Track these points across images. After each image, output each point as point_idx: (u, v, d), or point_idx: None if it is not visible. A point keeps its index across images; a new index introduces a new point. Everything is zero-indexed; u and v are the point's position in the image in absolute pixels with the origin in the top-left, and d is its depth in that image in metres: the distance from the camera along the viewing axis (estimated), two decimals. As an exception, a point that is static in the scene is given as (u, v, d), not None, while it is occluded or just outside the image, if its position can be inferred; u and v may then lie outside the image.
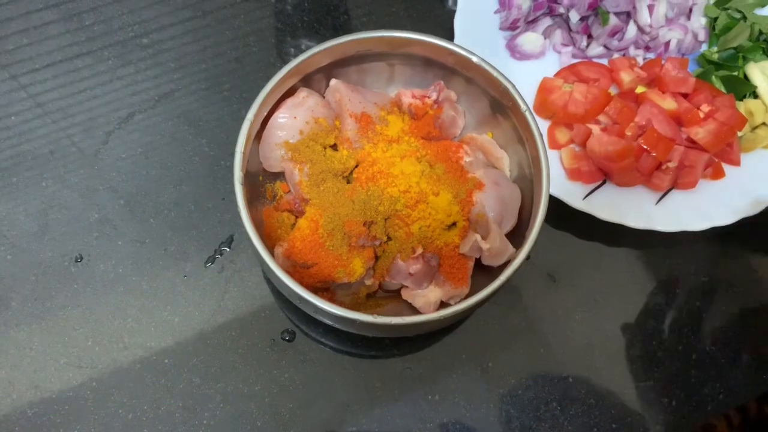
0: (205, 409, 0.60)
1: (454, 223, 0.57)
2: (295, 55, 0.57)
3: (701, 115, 0.68)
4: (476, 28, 0.72)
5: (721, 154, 0.69)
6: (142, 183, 0.67)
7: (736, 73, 0.73)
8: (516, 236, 0.58)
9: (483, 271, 0.58)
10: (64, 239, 0.64)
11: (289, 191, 0.60)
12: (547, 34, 0.74)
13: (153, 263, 0.64)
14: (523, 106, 0.57)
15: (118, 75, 0.71)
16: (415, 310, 0.58)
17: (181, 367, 0.61)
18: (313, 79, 0.61)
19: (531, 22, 0.74)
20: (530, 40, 0.73)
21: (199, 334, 0.62)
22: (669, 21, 0.74)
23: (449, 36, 0.71)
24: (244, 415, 0.60)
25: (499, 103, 0.60)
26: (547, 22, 0.74)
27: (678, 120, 0.68)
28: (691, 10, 0.75)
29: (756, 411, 0.64)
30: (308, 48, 0.57)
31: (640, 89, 0.70)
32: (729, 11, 0.75)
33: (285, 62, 0.57)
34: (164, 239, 0.65)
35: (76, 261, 0.64)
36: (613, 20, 0.72)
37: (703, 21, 0.75)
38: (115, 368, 0.61)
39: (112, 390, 0.60)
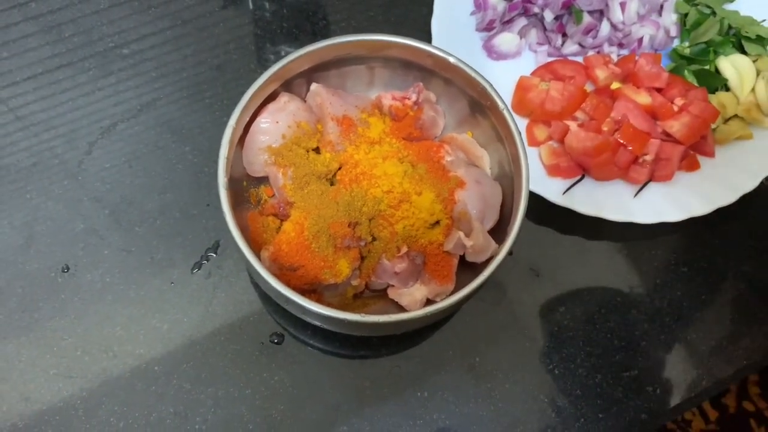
0: (196, 414, 0.60)
1: (437, 222, 0.58)
2: (275, 61, 0.58)
3: (675, 108, 0.70)
4: (453, 30, 0.73)
5: (696, 146, 0.70)
6: (126, 192, 0.67)
7: (707, 67, 0.74)
8: (498, 233, 0.59)
9: (467, 268, 0.59)
10: (50, 250, 0.64)
11: (274, 195, 0.60)
12: (522, 33, 0.75)
13: (140, 271, 0.64)
14: (501, 105, 0.58)
15: (100, 86, 0.71)
16: (401, 309, 0.59)
17: (171, 374, 0.61)
18: (293, 84, 0.62)
19: (506, 23, 0.75)
20: (506, 40, 0.74)
21: (188, 340, 0.62)
22: (641, 18, 0.75)
23: (427, 39, 0.72)
24: (235, 418, 0.60)
25: (477, 103, 0.61)
26: (522, 22, 0.75)
27: (653, 114, 0.70)
28: (662, 7, 0.77)
29: (735, 406, 0.66)
30: (288, 54, 0.58)
31: (615, 85, 0.72)
32: (699, 7, 0.76)
33: (265, 68, 0.57)
34: (150, 247, 0.65)
35: (63, 271, 0.64)
36: (587, 18, 0.73)
37: (674, 17, 0.77)
38: (105, 377, 0.61)
39: (102, 399, 0.60)
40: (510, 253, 0.54)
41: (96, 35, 0.74)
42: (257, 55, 0.75)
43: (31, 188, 0.67)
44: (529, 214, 0.56)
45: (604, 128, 0.68)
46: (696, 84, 0.73)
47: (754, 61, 0.74)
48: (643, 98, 0.70)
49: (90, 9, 0.74)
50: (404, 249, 0.57)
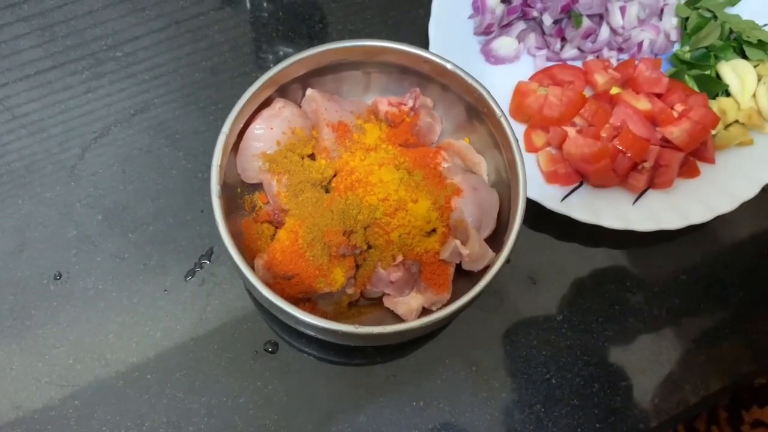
0: (189, 424, 0.60)
1: (433, 230, 0.57)
2: (271, 64, 0.57)
3: (675, 114, 0.69)
4: (450, 34, 0.73)
5: (696, 152, 0.69)
6: (119, 198, 0.66)
7: (708, 72, 0.74)
8: (495, 240, 0.58)
9: (464, 276, 0.58)
10: (42, 257, 0.64)
11: (268, 202, 0.60)
12: (521, 37, 0.74)
13: (133, 278, 0.64)
14: (498, 112, 0.57)
15: (92, 88, 0.71)
16: (397, 318, 0.58)
17: (164, 382, 0.61)
18: (289, 90, 0.61)
19: (505, 27, 0.74)
20: (504, 44, 0.73)
21: (181, 348, 0.62)
22: (641, 22, 0.75)
23: (424, 42, 0.71)
24: (228, 428, 0.60)
25: (474, 109, 0.61)
26: (521, 26, 0.74)
27: (652, 120, 0.69)
28: (662, 11, 0.76)
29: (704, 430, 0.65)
30: (284, 57, 0.57)
31: (614, 90, 0.71)
32: (700, 11, 0.75)
33: (261, 71, 0.57)
34: (143, 254, 0.65)
35: (55, 278, 0.63)
36: (586, 22, 0.72)
37: (675, 21, 0.76)
38: (97, 385, 0.60)
39: (95, 408, 0.59)
40: (507, 260, 0.53)
41: (89, 36, 0.73)
42: (252, 58, 0.74)
43: (22, 193, 0.66)
44: (527, 221, 0.55)
45: (603, 134, 0.67)
46: (696, 89, 0.73)
47: (755, 66, 0.73)
48: (643, 104, 0.69)
49: (83, 10, 0.74)
50: (400, 257, 0.56)
